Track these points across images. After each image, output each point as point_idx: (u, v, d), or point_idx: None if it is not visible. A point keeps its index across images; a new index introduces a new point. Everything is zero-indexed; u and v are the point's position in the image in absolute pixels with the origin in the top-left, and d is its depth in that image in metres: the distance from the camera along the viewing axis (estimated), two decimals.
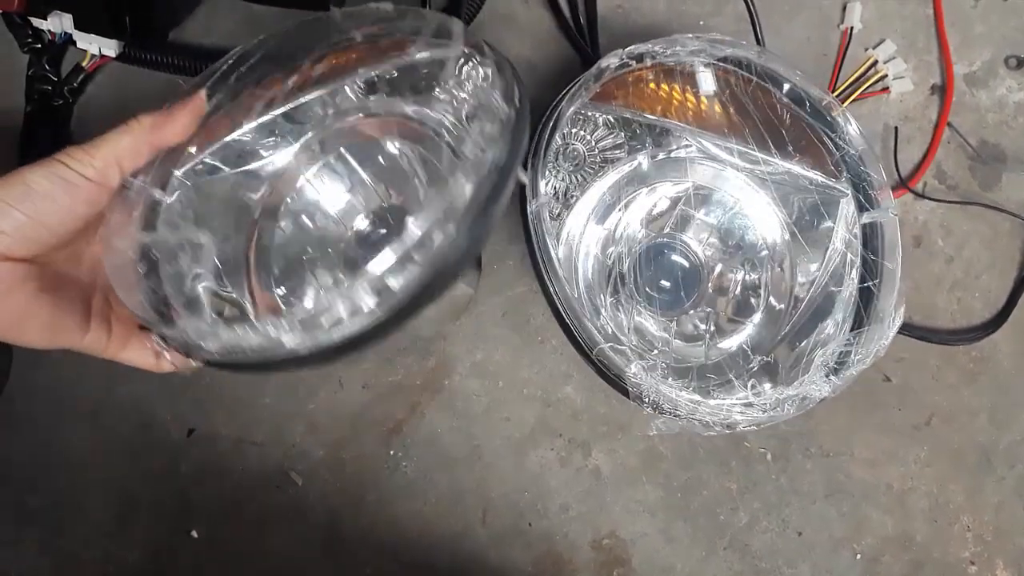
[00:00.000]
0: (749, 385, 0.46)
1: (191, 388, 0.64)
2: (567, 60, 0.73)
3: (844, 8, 0.77)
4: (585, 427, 0.67)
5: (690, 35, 0.58)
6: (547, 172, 0.58)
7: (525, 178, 0.53)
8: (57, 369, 0.64)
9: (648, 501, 0.67)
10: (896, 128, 0.75)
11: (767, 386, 0.49)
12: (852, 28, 0.76)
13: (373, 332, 0.36)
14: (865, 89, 0.75)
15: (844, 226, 0.55)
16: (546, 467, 0.67)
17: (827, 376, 0.48)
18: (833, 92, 0.75)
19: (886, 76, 0.75)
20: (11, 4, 0.60)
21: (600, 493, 0.67)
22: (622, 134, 0.61)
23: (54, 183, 0.39)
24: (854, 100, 0.75)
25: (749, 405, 0.46)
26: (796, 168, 0.57)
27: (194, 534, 0.63)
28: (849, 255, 0.55)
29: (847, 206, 0.55)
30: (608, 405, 0.66)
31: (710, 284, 0.61)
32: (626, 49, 0.58)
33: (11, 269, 0.39)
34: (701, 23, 0.76)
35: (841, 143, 0.55)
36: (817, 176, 0.57)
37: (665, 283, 0.62)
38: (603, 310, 0.58)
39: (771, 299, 0.59)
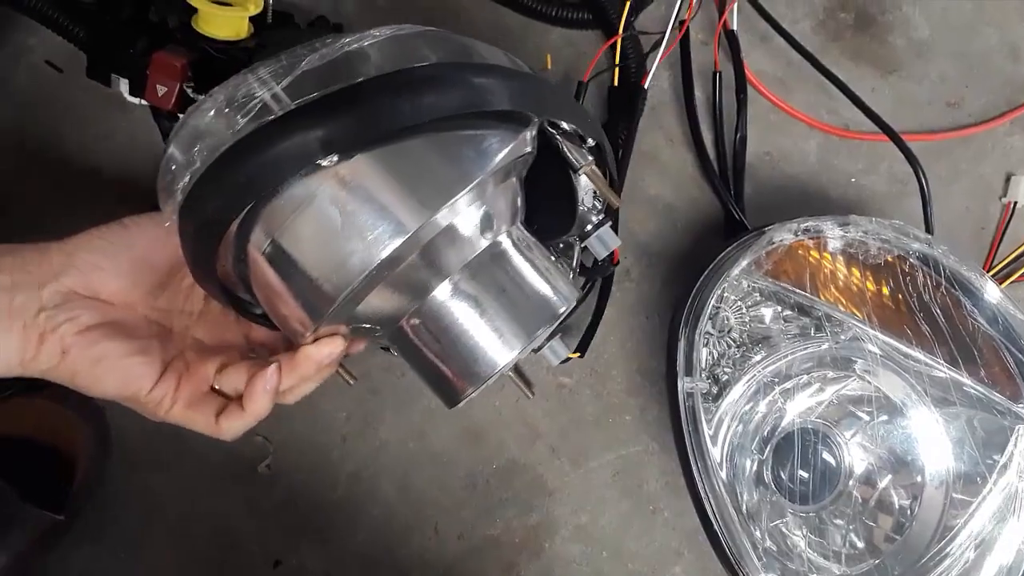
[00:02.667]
0: None
1: (282, 514, 0.61)
2: (707, 205, 0.69)
3: (1008, 180, 0.72)
4: None
5: (871, 219, 0.54)
6: (700, 345, 0.54)
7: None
8: (149, 478, 0.61)
9: None
10: None
11: None
12: (1015, 203, 0.71)
13: None
14: None
15: (1020, 457, 0.50)
16: None
17: None
18: (989, 271, 0.70)
19: None
20: (167, 102, 0.59)
21: None
22: (778, 308, 0.57)
23: (148, 219, 0.41)
24: (1012, 281, 0.69)
25: None
26: (975, 385, 0.52)
27: None
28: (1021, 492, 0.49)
29: None
30: None
31: (853, 488, 0.56)
32: (801, 225, 0.54)
33: (99, 309, 0.39)
34: (852, 180, 0.72)
35: None
36: (995, 396, 0.52)
37: (803, 474, 0.57)
38: (744, 506, 0.53)
39: (916, 524, 0.54)
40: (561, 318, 0.42)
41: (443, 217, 0.35)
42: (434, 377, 0.41)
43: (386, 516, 0.62)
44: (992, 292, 0.53)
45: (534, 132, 0.39)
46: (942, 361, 0.53)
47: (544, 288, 0.41)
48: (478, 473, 0.63)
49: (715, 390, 0.54)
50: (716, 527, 0.51)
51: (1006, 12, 0.75)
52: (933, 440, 0.55)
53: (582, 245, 0.52)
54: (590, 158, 0.43)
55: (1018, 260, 0.70)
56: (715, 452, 0.54)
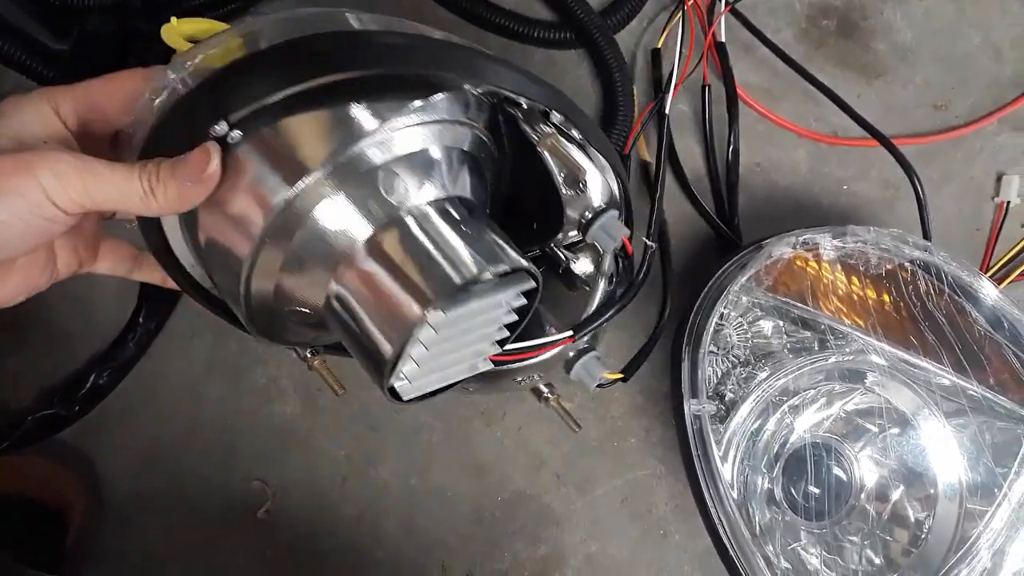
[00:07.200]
0: None
1: (284, 561, 0.59)
2: (699, 219, 0.69)
3: (999, 180, 0.72)
4: None
5: (869, 229, 0.53)
6: (704, 365, 0.53)
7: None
8: (145, 532, 0.59)
9: None
10: None
11: None
12: (1008, 202, 0.71)
13: None
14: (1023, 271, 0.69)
15: None
16: None
17: None
18: (986, 272, 0.69)
19: None
20: None
21: None
22: (780, 322, 0.56)
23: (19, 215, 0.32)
24: (1010, 282, 0.69)
25: None
26: (983, 392, 0.51)
27: None
28: None
29: None
30: None
31: (865, 502, 0.55)
32: (799, 238, 0.54)
33: None
34: (845, 187, 0.71)
35: None
36: (1006, 403, 0.51)
37: (814, 490, 0.56)
38: (757, 526, 0.52)
39: (931, 536, 0.53)
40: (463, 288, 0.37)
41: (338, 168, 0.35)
42: (362, 352, 0.39)
43: (392, 557, 0.60)
44: (990, 293, 0.53)
45: (442, 96, 0.37)
46: (950, 369, 0.52)
47: (457, 252, 0.36)
48: (483, 507, 0.61)
49: (722, 411, 0.53)
50: (730, 551, 0.49)
51: (988, 12, 0.75)
52: (945, 450, 0.54)
53: (588, 240, 0.46)
54: (550, 130, 0.40)
55: (1015, 260, 0.70)
56: (725, 473, 0.53)
